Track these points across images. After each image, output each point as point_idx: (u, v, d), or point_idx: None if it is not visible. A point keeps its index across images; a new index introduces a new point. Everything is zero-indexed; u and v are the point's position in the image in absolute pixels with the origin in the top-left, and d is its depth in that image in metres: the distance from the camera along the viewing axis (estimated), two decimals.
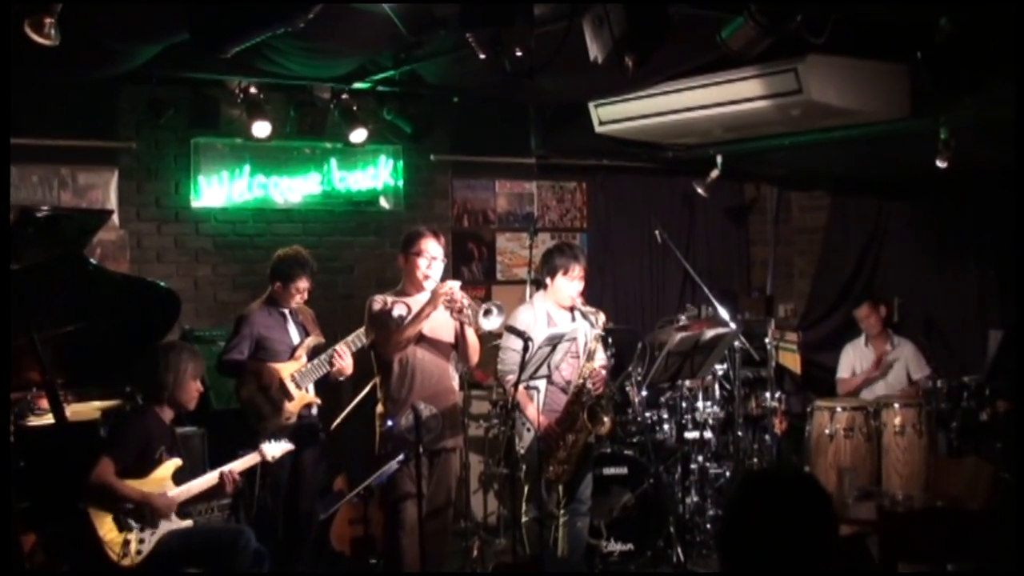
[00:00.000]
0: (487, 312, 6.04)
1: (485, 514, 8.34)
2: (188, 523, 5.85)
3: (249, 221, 8.43)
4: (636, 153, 9.42)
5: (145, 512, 5.65)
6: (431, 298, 6.10)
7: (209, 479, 5.90)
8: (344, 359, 6.67)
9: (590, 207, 9.88)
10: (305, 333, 6.93)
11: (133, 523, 5.62)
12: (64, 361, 5.80)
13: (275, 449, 6.14)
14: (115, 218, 7.78)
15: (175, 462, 5.87)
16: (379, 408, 6.33)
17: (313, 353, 6.83)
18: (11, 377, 5.46)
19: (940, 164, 7.49)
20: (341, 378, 6.83)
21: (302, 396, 6.76)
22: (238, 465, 5.99)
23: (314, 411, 6.90)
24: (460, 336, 6.28)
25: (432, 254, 6.25)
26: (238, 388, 6.82)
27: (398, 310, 6.23)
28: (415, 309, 6.18)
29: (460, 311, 6.10)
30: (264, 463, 6.18)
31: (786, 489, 2.77)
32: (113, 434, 6.10)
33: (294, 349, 6.84)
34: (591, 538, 7.11)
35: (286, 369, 6.73)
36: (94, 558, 5.53)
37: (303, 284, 6.83)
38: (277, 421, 6.64)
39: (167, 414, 5.99)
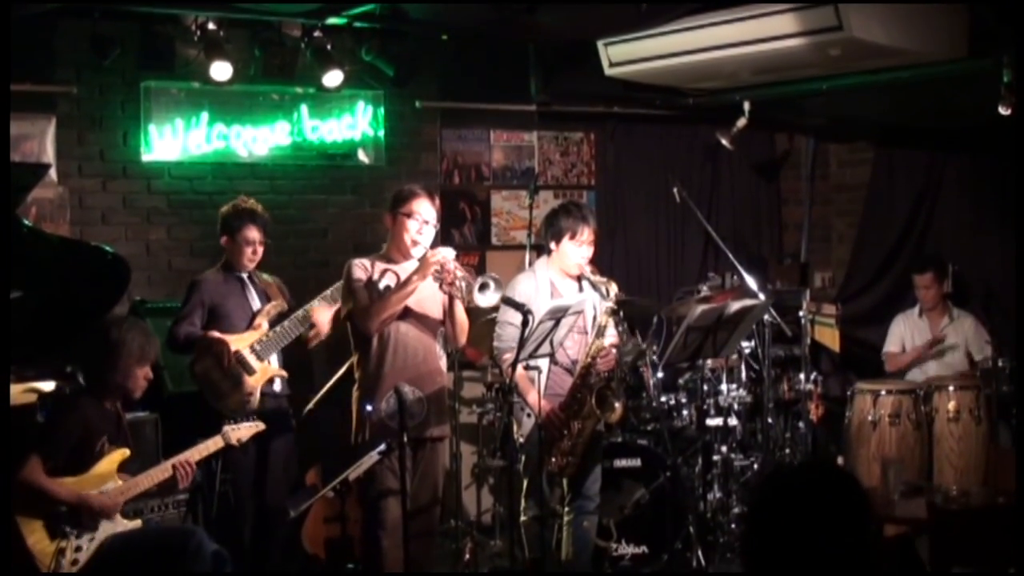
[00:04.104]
0: (483, 286, 6.01)
1: (479, 512, 8.35)
2: (136, 523, 5.79)
3: (208, 177, 8.36)
4: (651, 99, 9.37)
5: (82, 515, 5.58)
6: (420, 266, 6.07)
7: (159, 472, 5.82)
8: (319, 315, 6.60)
9: (598, 161, 9.83)
10: (267, 299, 6.91)
11: (68, 529, 5.55)
12: None
13: (242, 432, 6.08)
14: (53, 173, 7.73)
15: (121, 452, 5.81)
16: (355, 391, 6.30)
17: (276, 321, 6.80)
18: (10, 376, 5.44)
19: (1002, 111, 7.43)
20: (314, 343, 6.77)
21: (264, 369, 6.75)
22: (195, 453, 5.91)
23: (277, 386, 6.87)
24: (448, 312, 6.25)
25: (425, 217, 6.24)
26: (192, 363, 6.80)
27: (386, 280, 6.21)
28: (402, 277, 6.14)
29: (452, 283, 6.06)
30: (226, 451, 6.14)
31: (816, 486, 2.77)
32: (43, 427, 6.00)
33: (253, 316, 6.81)
34: (599, 539, 7.12)
35: (245, 340, 6.71)
36: (20, 573, 5.44)
37: (252, 234, 6.85)
38: (238, 398, 6.64)
39: (110, 400, 5.93)
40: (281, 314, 6.88)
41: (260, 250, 6.92)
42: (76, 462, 5.67)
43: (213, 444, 6.00)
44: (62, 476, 5.60)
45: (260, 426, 6.21)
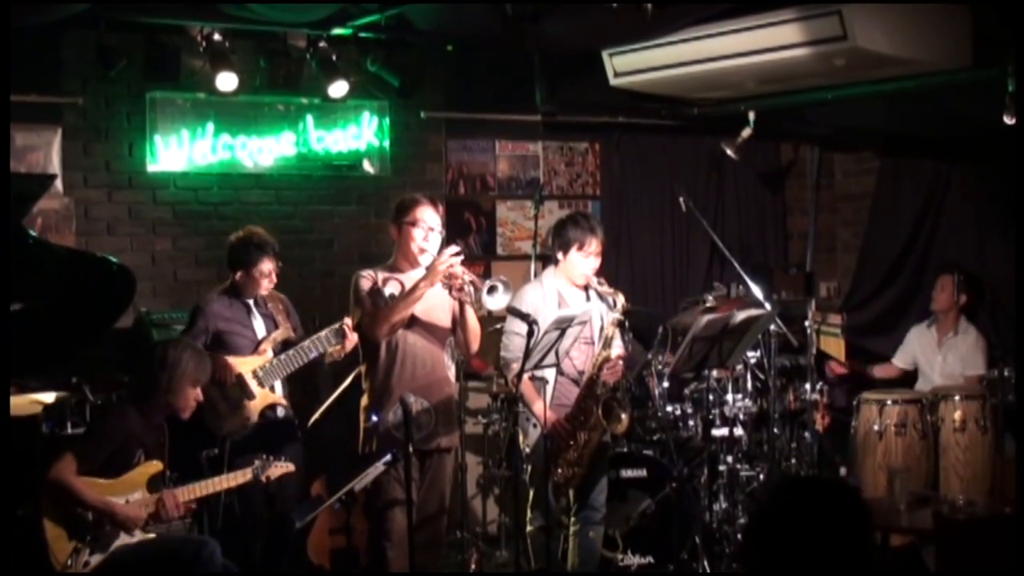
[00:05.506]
0: (492, 289, 5.98)
1: (484, 522, 8.33)
2: (150, 536, 5.84)
3: (214, 188, 8.37)
4: (656, 109, 9.38)
5: (104, 525, 5.63)
6: (428, 273, 6.05)
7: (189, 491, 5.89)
8: (351, 335, 6.55)
9: (603, 171, 9.83)
10: (273, 325, 6.90)
11: (88, 538, 5.60)
12: None
13: (271, 471, 6.11)
14: (58, 184, 7.75)
15: (155, 464, 5.87)
16: (363, 401, 6.30)
17: (281, 348, 6.80)
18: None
19: (1007, 120, 7.43)
20: (336, 356, 6.76)
21: (265, 395, 6.74)
22: (224, 482, 6.00)
23: (280, 412, 6.88)
24: (459, 319, 6.24)
25: (429, 224, 6.23)
26: None
27: (390, 288, 6.20)
28: (407, 286, 6.13)
29: (460, 289, 6.05)
30: (233, 463, 6.18)
31: (818, 499, 2.78)
32: (85, 430, 6.17)
33: (258, 343, 6.81)
34: (605, 550, 7.11)
35: (248, 364, 6.70)
36: (35, 562, 5.50)
37: (267, 267, 6.82)
38: (236, 422, 6.63)
39: (156, 416, 5.98)
40: (286, 342, 6.86)
41: (275, 277, 6.91)
42: (111, 469, 5.72)
43: (242, 476, 6.06)
44: (94, 477, 5.66)
45: (290, 467, 6.24)
